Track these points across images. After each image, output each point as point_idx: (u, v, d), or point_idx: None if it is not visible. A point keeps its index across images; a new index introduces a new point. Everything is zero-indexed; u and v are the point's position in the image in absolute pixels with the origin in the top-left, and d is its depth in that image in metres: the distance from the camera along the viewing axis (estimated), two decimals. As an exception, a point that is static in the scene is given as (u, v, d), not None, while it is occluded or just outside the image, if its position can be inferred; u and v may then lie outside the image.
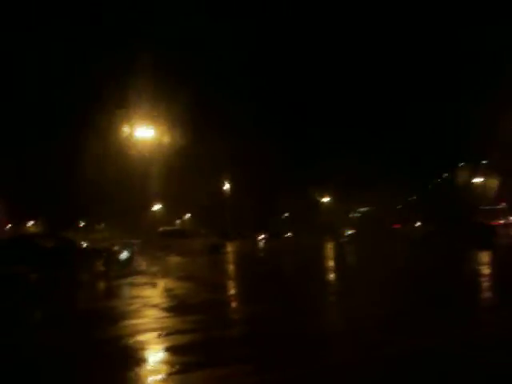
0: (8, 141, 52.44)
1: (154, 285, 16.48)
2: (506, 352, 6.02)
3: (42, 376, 6.17)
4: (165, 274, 20.57)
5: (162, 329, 8.44)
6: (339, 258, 28.87)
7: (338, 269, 21.17)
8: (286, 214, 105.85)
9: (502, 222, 52.36)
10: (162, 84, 50.20)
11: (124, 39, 62.97)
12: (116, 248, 24.31)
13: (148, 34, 60.51)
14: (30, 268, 18.61)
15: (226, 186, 77.49)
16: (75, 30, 67.57)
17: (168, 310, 10.71)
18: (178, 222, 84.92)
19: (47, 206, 63.49)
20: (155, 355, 6.93)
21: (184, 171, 60.52)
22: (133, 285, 16.80)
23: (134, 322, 9.50)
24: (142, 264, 26.20)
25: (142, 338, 7.93)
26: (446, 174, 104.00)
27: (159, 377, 5.77)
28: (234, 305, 12.14)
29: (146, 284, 16.77)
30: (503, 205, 50.88)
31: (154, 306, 11.38)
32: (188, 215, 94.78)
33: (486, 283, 13.25)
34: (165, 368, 6.14)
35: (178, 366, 6.08)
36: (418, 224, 45.29)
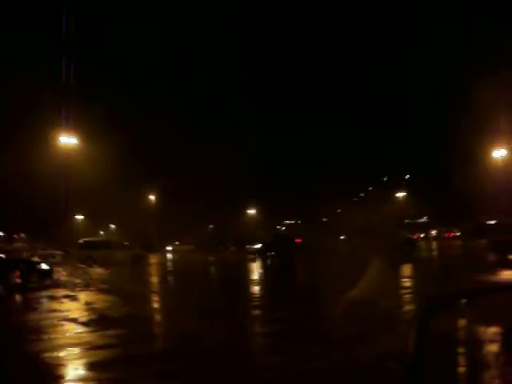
0: None
1: (73, 298, 15.99)
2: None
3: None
4: (86, 286, 20.00)
5: (80, 344, 8.18)
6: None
7: (252, 283, 21.31)
8: (211, 226, 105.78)
9: (421, 235, 54.16)
10: (87, 93, 49.33)
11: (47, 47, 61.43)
12: (35, 259, 23.47)
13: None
14: None
15: (152, 198, 76.72)
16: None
17: (88, 324, 10.40)
18: (101, 233, 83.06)
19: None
20: (73, 372, 6.69)
21: (109, 182, 59.39)
22: (51, 298, 16.22)
23: (52, 336, 9.15)
24: (62, 276, 25.41)
25: (59, 353, 7.65)
26: (371, 188, 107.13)
27: (76, 395, 5.57)
28: (156, 318, 11.96)
29: (65, 297, 16.21)
30: (424, 219, 52.56)
31: (73, 319, 11.03)
32: (112, 226, 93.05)
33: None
34: (83, 385, 5.94)
35: (96, 383, 5.89)
36: (342, 237, 46.16)
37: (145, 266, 35.97)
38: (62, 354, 7.64)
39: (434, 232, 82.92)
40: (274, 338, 8.43)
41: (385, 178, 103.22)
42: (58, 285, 20.58)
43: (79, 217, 72.85)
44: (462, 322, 1.96)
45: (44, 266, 22.03)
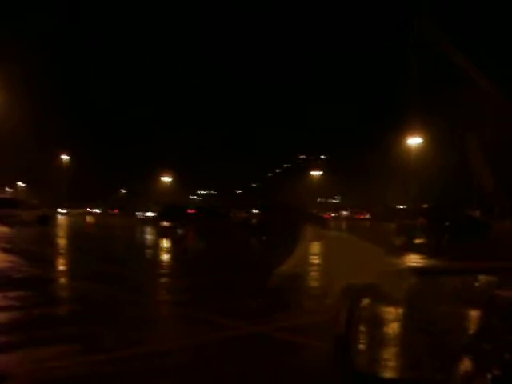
0: None
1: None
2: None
3: None
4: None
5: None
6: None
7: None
8: (123, 191, 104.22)
9: (333, 214, 55.57)
10: (5, 47, 46.95)
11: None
12: None
13: None
14: None
15: (65, 158, 74.43)
16: None
17: (-13, 284, 9.88)
18: (7, 189, 79.78)
19: None
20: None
21: (20, 137, 57.01)
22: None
23: None
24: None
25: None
26: (288, 165, 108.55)
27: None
28: (61, 281, 11.53)
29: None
30: (337, 199, 53.93)
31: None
32: (20, 184, 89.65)
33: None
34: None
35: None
36: (256, 211, 46.52)
37: (52, 226, 34.89)
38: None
39: (345, 212, 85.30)
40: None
41: (301, 156, 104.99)
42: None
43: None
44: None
45: None
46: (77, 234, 32.61)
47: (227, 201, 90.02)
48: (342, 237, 4.43)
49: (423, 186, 47.76)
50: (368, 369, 1.86)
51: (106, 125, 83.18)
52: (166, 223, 41.20)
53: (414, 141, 53.42)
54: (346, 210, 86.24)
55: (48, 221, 36.02)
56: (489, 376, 1.90)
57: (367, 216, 78.18)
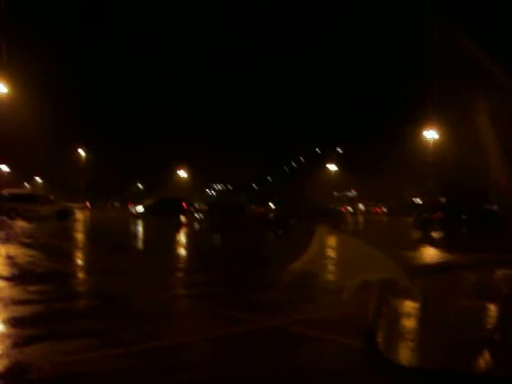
0: None
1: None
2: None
3: None
4: (8, 239, 19.36)
5: (0, 299, 7.90)
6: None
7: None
8: (140, 186, 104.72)
9: (349, 208, 55.46)
10: (21, 39, 47.25)
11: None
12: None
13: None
14: None
15: (83, 154, 74.95)
16: None
17: (9, 278, 10.05)
18: (26, 185, 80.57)
19: None
20: (-8, 327, 6.44)
21: (38, 133, 57.47)
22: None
23: (-31, 290, 8.79)
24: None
25: (-24, 307, 7.38)
26: (302, 159, 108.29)
27: (-6, 351, 5.33)
28: (80, 276, 11.70)
29: (-15, 250, 15.65)
30: (353, 193, 53.71)
31: (-7, 273, 10.65)
32: (38, 179, 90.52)
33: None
34: (1, 341, 5.70)
35: (15, 339, 5.66)
36: (272, 205, 46.47)
37: (70, 221, 35.20)
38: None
39: (361, 206, 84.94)
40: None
41: (317, 150, 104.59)
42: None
43: (4, 167, 70.27)
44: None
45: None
46: (95, 228, 32.90)
47: (243, 195, 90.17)
48: (352, 238, 4.49)
49: (440, 179, 47.51)
50: (397, 357, 1.94)
51: (123, 119, 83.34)
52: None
53: (431, 134, 53.05)
54: (362, 203, 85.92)
55: (67, 215, 36.35)
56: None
57: (384, 210, 77.90)
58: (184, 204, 49.34)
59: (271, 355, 5.39)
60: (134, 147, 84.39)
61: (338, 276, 10.94)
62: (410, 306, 2.32)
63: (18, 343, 5.52)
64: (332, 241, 3.93)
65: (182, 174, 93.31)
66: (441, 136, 52.67)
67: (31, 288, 8.84)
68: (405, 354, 2.13)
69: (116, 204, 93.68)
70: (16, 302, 7.64)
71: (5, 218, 32.41)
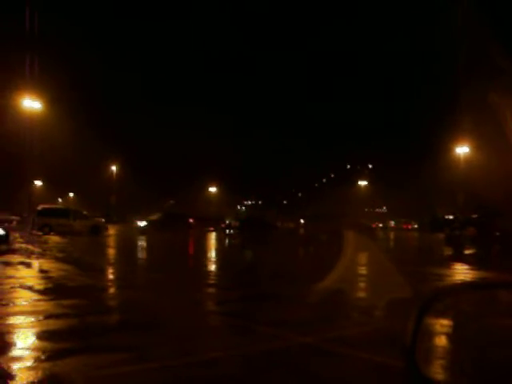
0: None
1: (29, 265, 15.71)
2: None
3: None
4: (42, 254, 19.69)
5: (34, 312, 8.03)
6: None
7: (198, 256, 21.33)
8: (172, 201, 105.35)
9: (380, 225, 55.11)
10: (55, 56, 48.27)
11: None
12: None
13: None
14: None
15: (114, 169, 75.93)
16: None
17: (43, 292, 10.20)
18: (60, 200, 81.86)
19: None
20: (26, 340, 6.51)
21: (71, 149, 58.48)
22: (7, 264, 15.84)
23: (5, 303, 8.94)
24: (18, 242, 24.95)
25: (12, 321, 7.50)
26: (333, 175, 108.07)
27: (28, 363, 5.39)
28: (112, 290, 11.83)
29: (21, 263, 15.89)
30: (384, 209, 53.27)
31: (28, 287, 10.81)
32: (71, 194, 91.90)
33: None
34: (36, 354, 5.75)
35: (49, 353, 5.73)
36: (302, 221, 46.43)
37: (103, 236, 35.61)
38: (16, 321, 7.48)
39: (392, 222, 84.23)
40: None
41: (348, 166, 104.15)
42: (13, 251, 20.22)
43: (38, 183, 71.54)
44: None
45: (0, 231, 21.61)
46: (127, 244, 33.20)
47: (274, 211, 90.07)
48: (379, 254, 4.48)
49: (472, 195, 46.88)
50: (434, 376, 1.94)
51: (154, 135, 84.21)
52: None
53: (462, 149, 52.52)
54: (392, 219, 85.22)
55: (99, 231, 36.82)
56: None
57: (415, 226, 77.05)
58: (190, 220, 49.11)
59: (302, 373, 5.38)
60: (166, 163, 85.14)
61: (369, 293, 10.90)
62: (446, 324, 2.33)
63: (51, 356, 5.60)
64: (362, 255, 3.93)
65: (214, 189, 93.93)
66: (472, 151, 52.08)
67: (65, 302, 8.97)
68: (443, 374, 2.13)
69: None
70: (50, 316, 7.75)
71: (39, 233, 32.97)
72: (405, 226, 79.76)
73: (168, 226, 42.88)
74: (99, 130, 65.76)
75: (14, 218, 45.95)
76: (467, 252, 24.01)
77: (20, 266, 15.22)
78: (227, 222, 56.58)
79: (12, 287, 10.82)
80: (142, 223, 47.92)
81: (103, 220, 43.51)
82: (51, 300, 9.26)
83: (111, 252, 24.84)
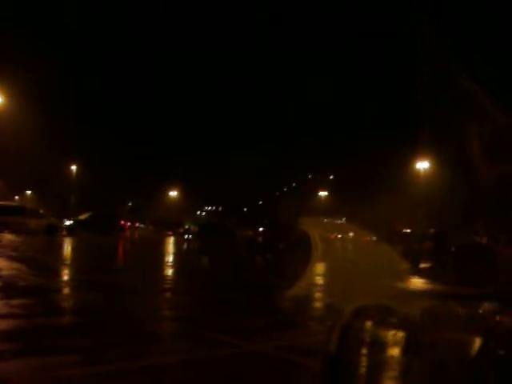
0: None
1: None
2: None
3: None
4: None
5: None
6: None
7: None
8: (130, 204, 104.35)
9: (339, 236, 55.43)
10: (12, 49, 47.44)
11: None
12: None
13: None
14: None
15: (74, 169, 74.85)
16: None
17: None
18: (16, 198, 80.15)
19: None
20: (-29, 340, 6.31)
21: (29, 145, 57.37)
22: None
23: (-49, 301, 8.66)
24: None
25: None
26: (294, 184, 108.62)
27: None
28: (65, 291, 11.58)
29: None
30: (343, 220, 53.76)
31: (-24, 286, 10.52)
32: (29, 192, 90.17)
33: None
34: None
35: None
36: (261, 229, 46.48)
37: (58, 236, 34.99)
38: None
39: (351, 234, 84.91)
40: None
41: (309, 176, 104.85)
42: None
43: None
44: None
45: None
46: (82, 244, 32.67)
47: (233, 218, 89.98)
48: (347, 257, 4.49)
49: (430, 209, 47.67)
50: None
51: (117, 136, 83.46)
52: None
53: (423, 165, 53.44)
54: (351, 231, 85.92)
55: (55, 230, 36.16)
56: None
57: (373, 238, 77.89)
58: (122, 221, 47.48)
59: (251, 379, 5.36)
60: (126, 164, 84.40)
61: (330, 301, 10.93)
62: (395, 334, 2.32)
63: (-4, 357, 5.42)
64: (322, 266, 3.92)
65: (174, 193, 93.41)
66: (432, 166, 53.05)
67: (14, 302, 8.72)
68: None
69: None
70: (-2, 316, 7.53)
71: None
72: (363, 238, 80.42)
73: (95, 227, 41.31)
74: (60, 128, 64.68)
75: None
76: (423, 266, 24.35)
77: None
78: (186, 226, 56.24)
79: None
80: (68, 222, 45.92)
81: (58, 220, 42.62)
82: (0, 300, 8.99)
83: (66, 252, 24.39)
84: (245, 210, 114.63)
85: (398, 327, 2.31)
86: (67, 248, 27.36)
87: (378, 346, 2.21)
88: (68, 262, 19.47)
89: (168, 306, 10.29)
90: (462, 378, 2.10)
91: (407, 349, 2.42)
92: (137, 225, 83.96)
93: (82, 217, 46.43)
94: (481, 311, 2.22)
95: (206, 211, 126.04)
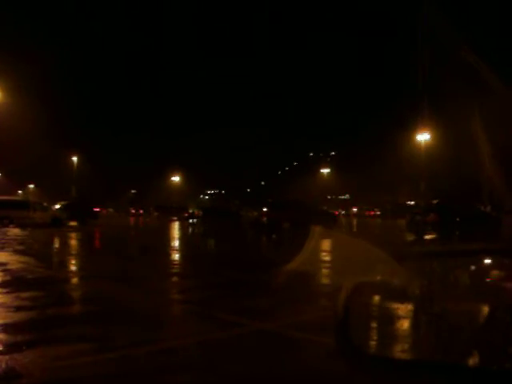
0: None
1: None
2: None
3: None
4: (0, 246, 19.26)
5: (-8, 305, 7.86)
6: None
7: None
8: (133, 191, 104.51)
9: (343, 212, 55.68)
10: (13, 44, 47.26)
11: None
12: None
13: None
14: None
15: (75, 160, 74.87)
16: None
17: (1, 285, 10.00)
18: (19, 192, 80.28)
19: None
20: (-16, 333, 6.38)
21: (31, 139, 57.37)
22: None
23: (-39, 297, 8.73)
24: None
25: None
26: (296, 163, 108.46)
27: (-15, 357, 5.28)
28: (74, 281, 11.68)
29: (-23, 257, 15.55)
30: (347, 196, 53.68)
31: (-15, 280, 10.59)
32: (31, 186, 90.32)
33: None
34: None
35: (6, 346, 5.63)
36: (266, 209, 46.51)
37: (64, 228, 35.07)
38: (-28, 314, 7.31)
39: (355, 209, 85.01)
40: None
41: (310, 154, 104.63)
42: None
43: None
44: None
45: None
46: (87, 235, 32.75)
47: (237, 200, 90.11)
48: (348, 236, 4.50)
49: (433, 181, 47.64)
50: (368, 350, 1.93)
51: (117, 126, 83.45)
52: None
53: (423, 137, 53.23)
54: (355, 206, 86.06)
55: (60, 222, 36.25)
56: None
57: (377, 213, 77.99)
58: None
59: (262, 358, 5.39)
60: (127, 153, 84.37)
61: (333, 277, 10.96)
62: (401, 307, 2.33)
63: (8, 349, 5.49)
64: (326, 242, 3.93)
65: (176, 179, 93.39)
66: (433, 138, 52.87)
67: (24, 294, 8.79)
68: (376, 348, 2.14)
69: (110, 210, 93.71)
70: (8, 309, 7.60)
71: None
72: (367, 213, 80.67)
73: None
74: (60, 121, 64.65)
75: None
76: (428, 237, 24.37)
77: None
78: (190, 211, 56.29)
79: (-32, 281, 10.57)
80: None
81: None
82: (9, 293, 9.06)
83: (72, 243, 24.47)
84: (248, 191, 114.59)
85: (403, 300, 2.33)
86: (76, 239, 27.46)
87: (387, 319, 2.24)
88: (74, 252, 19.54)
89: (176, 290, 10.37)
90: (471, 345, 2.12)
91: (415, 321, 2.44)
92: (141, 212, 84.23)
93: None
94: (483, 267, 2.22)
95: (209, 195, 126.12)
